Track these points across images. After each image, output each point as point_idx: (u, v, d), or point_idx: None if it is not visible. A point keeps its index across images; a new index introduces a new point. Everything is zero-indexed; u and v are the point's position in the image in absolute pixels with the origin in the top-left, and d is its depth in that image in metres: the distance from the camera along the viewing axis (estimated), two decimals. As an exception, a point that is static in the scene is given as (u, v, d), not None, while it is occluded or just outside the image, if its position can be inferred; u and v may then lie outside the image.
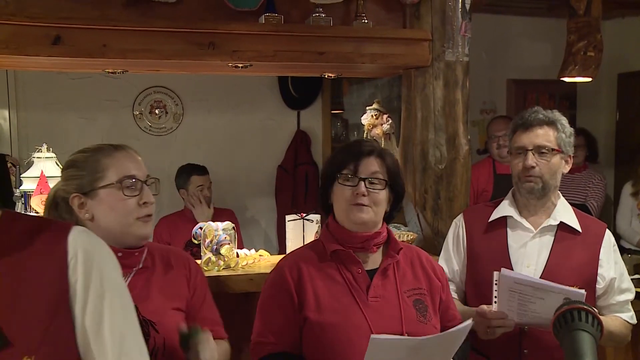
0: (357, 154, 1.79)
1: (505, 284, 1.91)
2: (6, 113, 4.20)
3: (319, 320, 1.71)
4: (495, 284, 1.94)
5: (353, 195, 1.75)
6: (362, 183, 1.75)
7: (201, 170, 3.91)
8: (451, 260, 2.25)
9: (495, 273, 1.94)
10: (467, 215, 2.29)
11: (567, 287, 1.86)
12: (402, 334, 1.70)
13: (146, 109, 4.47)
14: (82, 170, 1.62)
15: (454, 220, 2.33)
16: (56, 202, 1.67)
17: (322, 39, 2.53)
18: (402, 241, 2.00)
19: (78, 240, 1.09)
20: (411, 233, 2.80)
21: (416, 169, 2.78)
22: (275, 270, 1.84)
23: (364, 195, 1.74)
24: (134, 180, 1.61)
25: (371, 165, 1.78)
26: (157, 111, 4.49)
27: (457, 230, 2.27)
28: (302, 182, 4.68)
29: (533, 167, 2.08)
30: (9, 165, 3.14)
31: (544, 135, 2.09)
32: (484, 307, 1.97)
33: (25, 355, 1.00)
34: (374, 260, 1.82)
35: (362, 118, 3.08)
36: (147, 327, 1.59)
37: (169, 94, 4.50)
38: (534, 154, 2.08)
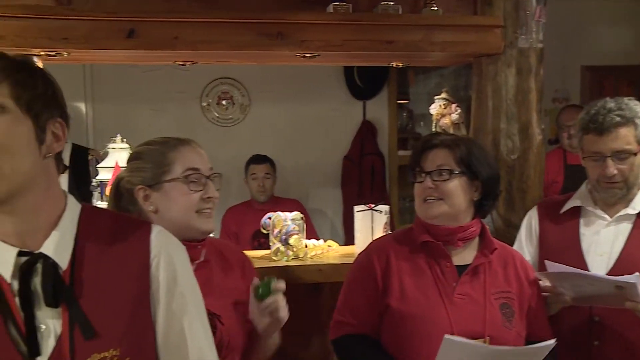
0: (422, 149, 1.78)
1: (555, 278, 1.87)
2: (82, 106, 4.36)
3: (400, 309, 1.70)
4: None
5: (422, 191, 1.74)
6: (428, 177, 1.74)
7: (258, 159, 3.96)
8: (523, 251, 2.18)
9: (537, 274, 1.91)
10: (540, 207, 2.22)
11: (613, 277, 1.80)
12: (483, 337, 1.66)
13: (213, 100, 4.54)
14: (148, 163, 1.63)
15: (528, 212, 2.26)
16: (120, 192, 1.69)
17: (391, 27, 2.50)
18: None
19: (160, 241, 1.13)
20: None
21: (487, 159, 2.71)
22: (364, 254, 1.85)
23: (430, 188, 1.72)
24: (198, 174, 1.61)
25: (437, 158, 1.75)
26: (224, 102, 4.55)
27: (530, 222, 2.21)
28: (368, 173, 4.64)
29: (614, 174, 1.93)
30: (90, 158, 3.26)
31: (623, 139, 1.90)
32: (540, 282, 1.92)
33: (111, 347, 1.02)
34: (466, 256, 1.79)
35: (431, 108, 3.03)
36: (213, 320, 1.58)
37: (235, 85, 4.55)
38: (613, 160, 1.92)
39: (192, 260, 1.61)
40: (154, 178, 1.61)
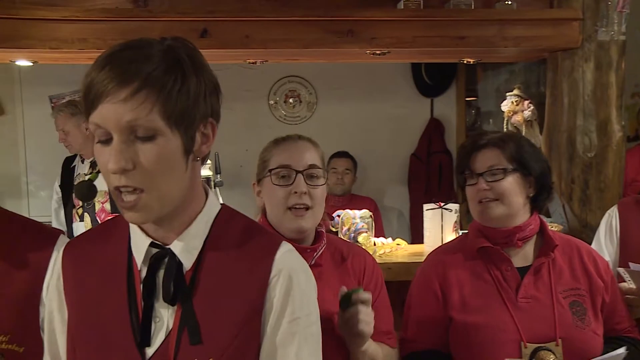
0: (470, 151, 1.71)
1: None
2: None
3: (464, 320, 1.64)
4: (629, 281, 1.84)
5: (476, 193, 1.67)
6: (481, 179, 1.66)
7: (339, 154, 4.04)
8: (602, 252, 2.09)
9: (620, 269, 1.84)
10: (621, 206, 2.12)
11: None
12: (555, 340, 1.58)
13: (281, 98, 4.58)
14: (259, 159, 1.63)
15: (607, 211, 2.17)
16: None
17: (463, 23, 2.46)
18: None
19: (284, 260, 1.06)
20: (556, 224, 2.65)
21: (562, 157, 2.62)
22: (422, 268, 1.79)
23: (485, 190, 1.65)
24: (288, 169, 1.55)
25: (487, 159, 1.67)
26: (291, 100, 4.58)
27: (610, 221, 2.12)
28: (436, 171, 4.58)
29: None
30: None
31: None
32: (624, 284, 1.85)
33: (211, 356, 1.00)
34: (526, 256, 1.70)
35: (502, 105, 2.95)
36: None
37: (302, 83, 4.58)
38: None
39: None
40: (259, 173, 1.61)
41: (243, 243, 1.06)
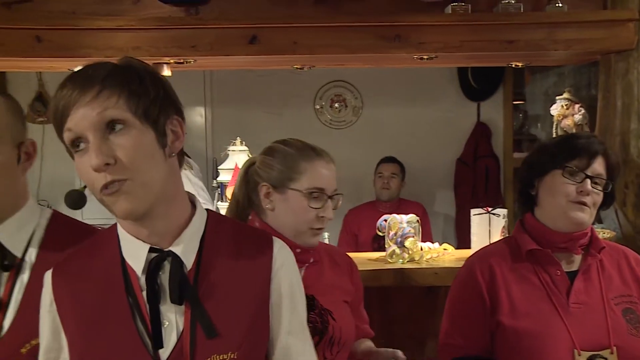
0: (589, 150, 1.63)
1: None
2: (202, 110, 4.57)
3: (513, 325, 1.59)
4: None
5: (576, 193, 1.60)
6: (589, 181, 1.60)
7: (386, 159, 4.04)
8: None
9: None
10: None
11: None
12: (609, 348, 1.54)
13: (327, 103, 4.60)
14: (279, 164, 1.64)
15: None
16: (248, 179, 1.71)
17: (512, 26, 2.43)
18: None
19: (282, 256, 1.15)
20: (608, 231, 2.60)
21: (615, 162, 2.57)
22: (464, 270, 1.74)
23: (587, 194, 1.60)
24: (321, 194, 1.62)
25: (598, 165, 1.63)
26: (336, 105, 4.60)
27: None
28: (482, 175, 4.53)
29: None
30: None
31: None
32: None
33: (230, 350, 1.04)
34: (573, 261, 1.67)
35: (552, 108, 2.91)
36: (326, 315, 1.61)
37: (348, 87, 4.60)
38: None
39: (304, 262, 1.65)
40: (280, 181, 1.63)
41: (238, 241, 1.14)
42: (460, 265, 2.44)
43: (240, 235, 1.16)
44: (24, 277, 1.23)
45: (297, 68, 2.84)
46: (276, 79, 4.40)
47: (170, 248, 1.06)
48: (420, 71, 4.29)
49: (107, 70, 1.00)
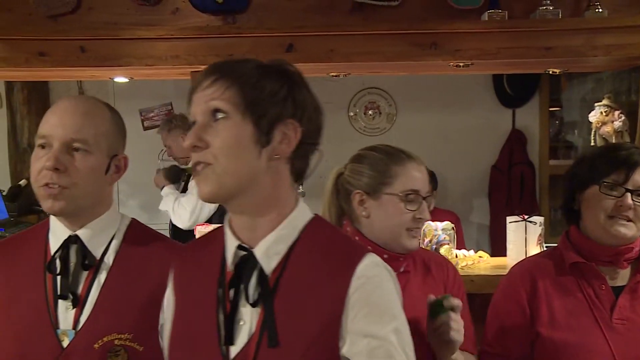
0: (627, 162, 1.57)
1: None
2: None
3: (552, 337, 1.57)
4: None
5: (616, 207, 1.56)
6: (629, 195, 1.55)
7: None
8: None
9: None
10: None
11: None
12: None
13: (360, 110, 4.62)
14: (372, 170, 1.60)
15: None
16: (338, 188, 1.68)
17: (549, 33, 2.42)
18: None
19: (367, 272, 1.06)
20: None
21: (656, 170, 2.52)
22: (507, 280, 1.72)
23: (629, 209, 1.55)
24: (417, 195, 1.58)
25: (639, 177, 1.57)
26: (370, 112, 4.61)
27: None
28: (517, 183, 4.48)
29: None
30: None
31: None
32: None
33: None
34: (622, 276, 1.62)
35: (590, 115, 2.87)
36: None
37: (382, 94, 4.60)
38: None
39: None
40: (374, 187, 1.59)
41: (329, 251, 1.09)
42: (495, 273, 2.45)
43: (333, 246, 1.11)
44: (102, 277, 1.31)
45: (332, 76, 2.86)
46: (311, 86, 4.42)
47: (254, 249, 1.07)
48: (454, 78, 4.27)
49: (233, 64, 1.07)
